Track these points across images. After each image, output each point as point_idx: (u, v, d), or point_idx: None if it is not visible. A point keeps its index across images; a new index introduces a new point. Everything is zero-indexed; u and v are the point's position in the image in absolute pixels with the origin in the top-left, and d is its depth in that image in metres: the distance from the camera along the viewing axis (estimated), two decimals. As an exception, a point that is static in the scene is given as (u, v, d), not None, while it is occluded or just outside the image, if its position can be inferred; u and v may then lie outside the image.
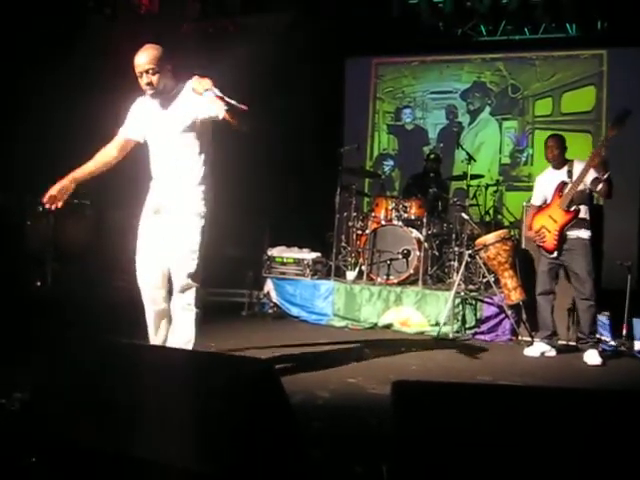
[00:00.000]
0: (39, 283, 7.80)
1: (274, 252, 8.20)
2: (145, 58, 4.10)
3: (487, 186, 8.22)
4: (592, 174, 5.77)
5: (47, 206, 4.27)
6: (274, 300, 7.94)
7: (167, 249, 4.28)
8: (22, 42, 7.66)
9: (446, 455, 2.08)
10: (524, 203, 7.12)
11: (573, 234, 5.90)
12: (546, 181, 6.16)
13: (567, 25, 8.80)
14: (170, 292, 4.40)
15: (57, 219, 7.97)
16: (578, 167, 5.90)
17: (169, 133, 4.23)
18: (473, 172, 7.96)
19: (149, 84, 4.12)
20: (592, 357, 5.89)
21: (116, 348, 3.12)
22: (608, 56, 9.47)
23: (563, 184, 5.93)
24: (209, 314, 7.65)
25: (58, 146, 7.70)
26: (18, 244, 7.72)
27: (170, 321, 4.43)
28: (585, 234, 5.92)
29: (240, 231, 8.64)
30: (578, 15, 8.54)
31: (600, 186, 5.74)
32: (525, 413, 2.27)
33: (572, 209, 5.86)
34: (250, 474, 2.23)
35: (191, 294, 4.31)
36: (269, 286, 8.02)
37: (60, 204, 4.27)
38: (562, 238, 5.89)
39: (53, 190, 4.24)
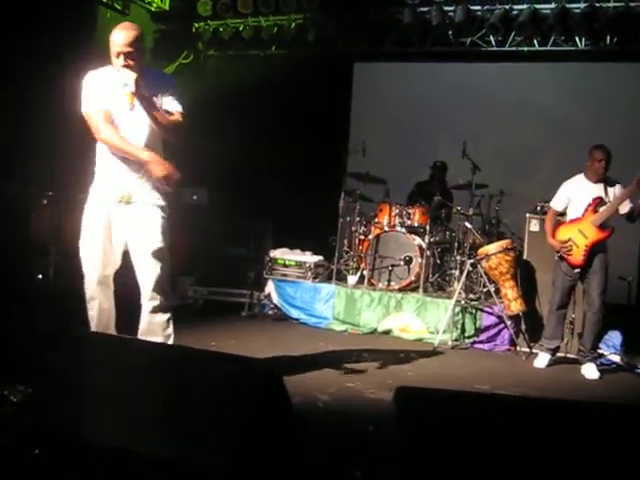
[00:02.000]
0: (41, 276, 7.81)
1: (276, 254, 8.22)
2: (125, 39, 3.95)
3: (491, 196, 8.23)
4: (627, 201, 5.83)
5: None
6: (274, 302, 7.95)
7: (128, 241, 4.11)
8: (31, 34, 7.67)
9: (447, 461, 2.10)
10: (527, 214, 7.12)
11: (597, 250, 5.90)
12: (577, 190, 6.07)
13: (576, 38, 8.80)
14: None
15: (61, 212, 7.99)
16: (615, 187, 5.94)
17: (131, 116, 4.04)
18: (478, 181, 7.97)
19: (127, 67, 3.93)
20: (590, 371, 5.91)
21: (118, 344, 3.15)
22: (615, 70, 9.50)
23: (600, 200, 5.91)
24: (209, 313, 7.74)
25: (63, 139, 7.71)
26: (21, 236, 7.72)
27: (114, 320, 4.23)
28: (605, 251, 5.96)
29: (243, 232, 8.66)
30: (587, 29, 8.54)
31: (633, 213, 5.84)
32: (524, 423, 2.29)
33: (607, 228, 5.86)
34: (251, 472, 2.25)
35: (166, 288, 4.16)
36: (270, 287, 8.04)
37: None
38: (589, 254, 5.89)
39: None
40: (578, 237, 5.90)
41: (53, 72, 7.31)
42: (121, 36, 3.95)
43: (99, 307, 4.15)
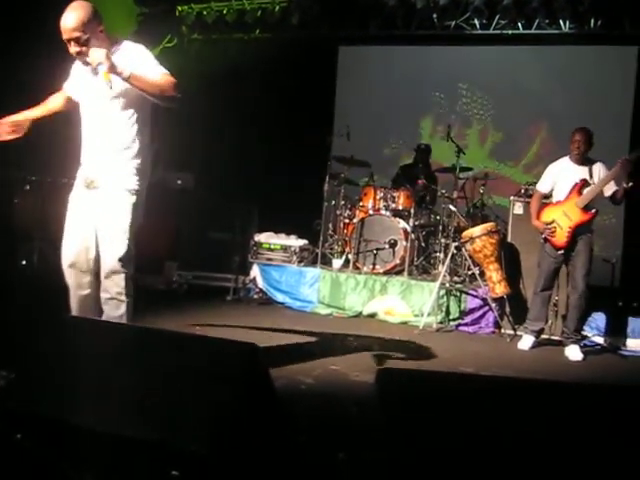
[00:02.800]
0: (24, 262, 7.78)
1: (261, 238, 8.21)
2: (72, 23, 3.64)
3: (475, 179, 8.25)
4: (612, 184, 5.85)
5: None
6: (260, 286, 7.95)
7: (96, 228, 3.90)
8: (25, 16, 7.61)
9: (431, 441, 2.11)
10: (511, 197, 7.15)
11: (581, 232, 5.93)
12: (561, 172, 6.10)
13: (560, 21, 8.80)
14: (98, 278, 3.96)
15: (45, 197, 7.94)
16: (600, 169, 5.95)
17: (100, 100, 3.84)
18: (462, 165, 7.98)
19: (79, 54, 3.70)
20: (573, 352, 5.95)
21: (101, 328, 3.14)
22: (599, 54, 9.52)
23: (584, 182, 5.93)
24: (194, 297, 7.73)
25: (47, 122, 7.65)
26: (5, 222, 7.68)
27: (97, 310, 3.97)
28: (590, 232, 5.99)
29: (228, 216, 8.65)
30: (572, 12, 8.54)
31: (617, 195, 5.85)
32: (508, 404, 2.30)
33: (591, 210, 5.89)
34: (235, 454, 2.26)
35: (120, 280, 3.85)
36: (255, 271, 8.04)
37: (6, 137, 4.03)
38: (573, 236, 5.93)
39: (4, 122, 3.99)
40: (562, 219, 5.94)
41: (35, 56, 7.26)
42: (65, 21, 3.66)
43: (72, 293, 3.98)
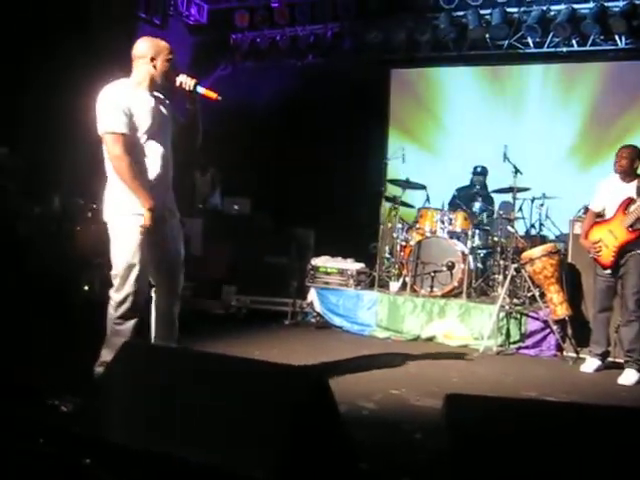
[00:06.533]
0: (87, 287, 7.92)
1: (318, 262, 8.22)
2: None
3: (533, 199, 8.15)
4: None
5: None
6: (317, 310, 7.95)
7: (165, 254, 4.11)
8: (79, 50, 7.82)
9: (498, 468, 2.08)
10: (570, 218, 7.02)
11: (630, 251, 5.75)
12: (610, 190, 5.94)
13: (616, 37, 8.70)
14: None
15: (106, 225, 8.09)
16: None
17: (166, 127, 4.03)
18: (520, 185, 7.89)
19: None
20: (624, 376, 5.75)
21: (170, 354, 3.18)
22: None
23: (630, 200, 5.76)
24: (252, 322, 7.77)
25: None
26: (68, 248, 7.85)
27: None
28: None
29: (285, 240, 8.68)
30: (627, 27, 8.43)
31: None
32: (574, 430, 2.25)
33: (636, 229, 5.71)
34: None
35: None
36: (312, 295, 8.04)
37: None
38: (619, 255, 5.78)
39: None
40: (608, 238, 5.80)
41: (97, 87, 7.44)
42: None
43: (160, 311, 4.27)
